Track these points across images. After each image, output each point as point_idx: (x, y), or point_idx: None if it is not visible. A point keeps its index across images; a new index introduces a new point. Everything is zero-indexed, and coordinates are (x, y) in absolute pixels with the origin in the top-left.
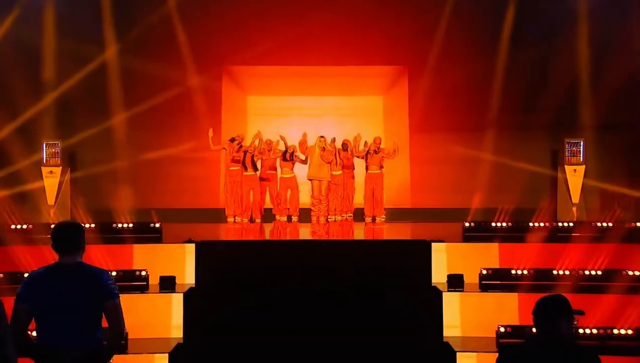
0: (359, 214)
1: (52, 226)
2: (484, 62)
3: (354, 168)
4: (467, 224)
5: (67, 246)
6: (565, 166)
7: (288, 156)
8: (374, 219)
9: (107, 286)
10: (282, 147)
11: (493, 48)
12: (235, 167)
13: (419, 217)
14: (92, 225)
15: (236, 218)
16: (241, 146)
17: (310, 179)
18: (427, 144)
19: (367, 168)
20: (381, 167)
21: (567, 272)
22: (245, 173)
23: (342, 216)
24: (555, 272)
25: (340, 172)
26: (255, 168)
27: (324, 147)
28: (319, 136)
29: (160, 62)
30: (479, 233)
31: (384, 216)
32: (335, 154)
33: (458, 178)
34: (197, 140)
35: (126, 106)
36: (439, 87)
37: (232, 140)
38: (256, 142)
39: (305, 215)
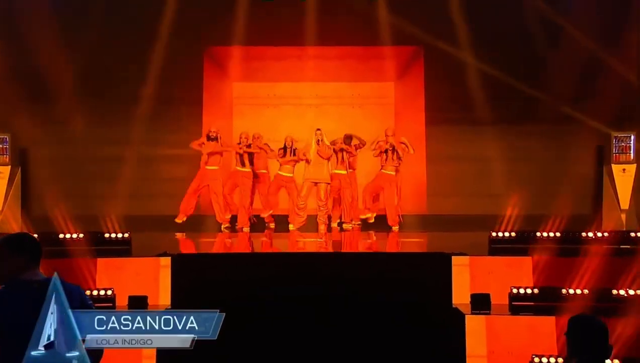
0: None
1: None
2: (516, 42)
3: (355, 168)
4: (494, 234)
5: (34, 258)
6: (613, 165)
7: (289, 153)
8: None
9: (87, 302)
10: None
11: (527, 26)
12: (213, 166)
13: (437, 225)
14: (49, 236)
15: (223, 226)
16: (214, 139)
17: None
18: (446, 139)
19: (381, 167)
20: (397, 168)
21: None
22: (240, 168)
23: (352, 224)
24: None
25: (345, 172)
26: (249, 164)
27: (319, 140)
28: (315, 129)
29: (128, 40)
30: (509, 244)
31: (396, 227)
32: (337, 150)
33: (483, 180)
34: (174, 134)
35: (89, 93)
36: (462, 71)
37: (210, 139)
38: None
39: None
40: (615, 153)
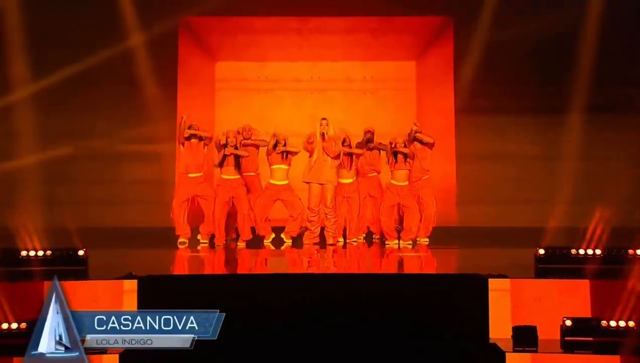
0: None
1: None
2: (566, 10)
3: (379, 172)
4: (541, 251)
5: None
6: None
7: (279, 149)
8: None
9: None
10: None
11: None
12: (196, 174)
13: (469, 240)
14: None
15: (202, 241)
16: (201, 139)
17: (307, 182)
18: (481, 132)
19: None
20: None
21: None
22: (223, 176)
23: (357, 240)
24: None
25: (352, 179)
26: (238, 166)
27: (323, 133)
28: (320, 118)
29: (85, 11)
30: (560, 264)
31: (423, 239)
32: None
33: (526, 183)
34: (141, 125)
35: (35, 75)
36: (499, 48)
37: (190, 138)
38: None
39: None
40: None
